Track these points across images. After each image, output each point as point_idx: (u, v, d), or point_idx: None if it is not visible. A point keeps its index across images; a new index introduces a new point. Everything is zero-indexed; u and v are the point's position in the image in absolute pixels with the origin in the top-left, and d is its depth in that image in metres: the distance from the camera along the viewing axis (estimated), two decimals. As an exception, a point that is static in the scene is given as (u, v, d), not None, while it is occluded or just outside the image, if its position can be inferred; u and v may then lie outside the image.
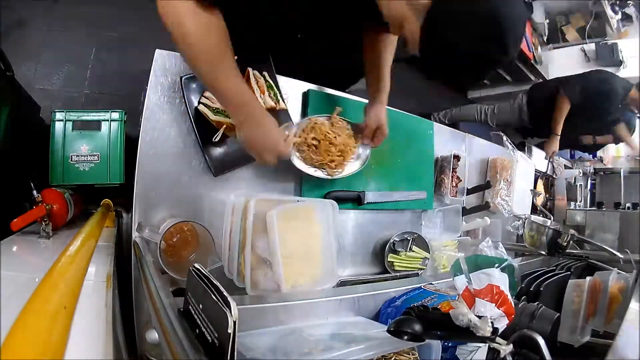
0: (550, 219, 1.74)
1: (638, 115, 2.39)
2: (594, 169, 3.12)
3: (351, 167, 1.12)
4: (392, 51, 1.06)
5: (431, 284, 0.98)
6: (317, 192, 1.11)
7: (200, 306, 0.47)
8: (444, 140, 1.54)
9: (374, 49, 1.04)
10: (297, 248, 0.82)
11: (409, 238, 1.33)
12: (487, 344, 0.55)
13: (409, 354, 0.65)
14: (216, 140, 0.90)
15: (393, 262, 1.28)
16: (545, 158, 2.35)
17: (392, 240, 1.28)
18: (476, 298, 0.60)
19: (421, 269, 1.32)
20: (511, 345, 0.53)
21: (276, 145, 0.81)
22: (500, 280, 0.62)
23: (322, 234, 0.87)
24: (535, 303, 0.96)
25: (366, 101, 1.11)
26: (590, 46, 3.35)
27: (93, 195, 1.26)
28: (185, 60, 0.76)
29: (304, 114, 1.12)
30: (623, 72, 2.93)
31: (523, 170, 1.96)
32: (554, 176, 2.46)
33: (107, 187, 1.24)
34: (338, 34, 0.98)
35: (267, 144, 0.80)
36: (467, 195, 1.60)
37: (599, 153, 3.35)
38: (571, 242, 1.22)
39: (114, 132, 1.24)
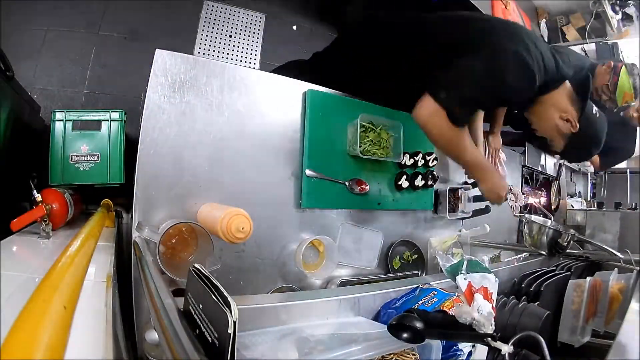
0: (550, 219, 1.74)
1: None
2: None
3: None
4: None
5: (429, 284, 0.97)
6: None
7: (200, 306, 0.47)
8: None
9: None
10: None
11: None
12: (488, 344, 0.55)
13: (410, 354, 0.65)
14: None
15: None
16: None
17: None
18: (475, 294, 0.61)
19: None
20: (512, 345, 0.53)
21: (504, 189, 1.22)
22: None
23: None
24: (527, 302, 0.97)
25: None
26: (591, 46, 3.34)
27: (93, 195, 1.26)
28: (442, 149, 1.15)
29: (304, 113, 1.12)
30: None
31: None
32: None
33: (107, 187, 1.23)
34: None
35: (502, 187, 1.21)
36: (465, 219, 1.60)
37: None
38: (571, 242, 1.22)
39: (114, 132, 1.24)
